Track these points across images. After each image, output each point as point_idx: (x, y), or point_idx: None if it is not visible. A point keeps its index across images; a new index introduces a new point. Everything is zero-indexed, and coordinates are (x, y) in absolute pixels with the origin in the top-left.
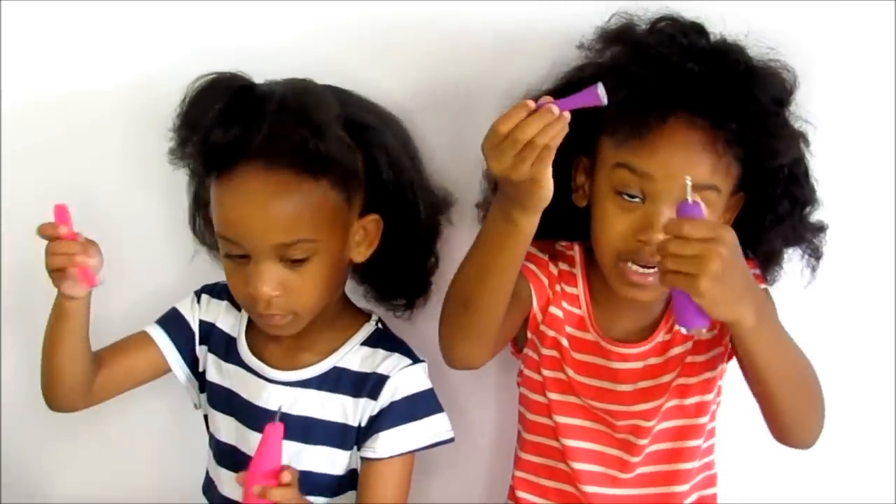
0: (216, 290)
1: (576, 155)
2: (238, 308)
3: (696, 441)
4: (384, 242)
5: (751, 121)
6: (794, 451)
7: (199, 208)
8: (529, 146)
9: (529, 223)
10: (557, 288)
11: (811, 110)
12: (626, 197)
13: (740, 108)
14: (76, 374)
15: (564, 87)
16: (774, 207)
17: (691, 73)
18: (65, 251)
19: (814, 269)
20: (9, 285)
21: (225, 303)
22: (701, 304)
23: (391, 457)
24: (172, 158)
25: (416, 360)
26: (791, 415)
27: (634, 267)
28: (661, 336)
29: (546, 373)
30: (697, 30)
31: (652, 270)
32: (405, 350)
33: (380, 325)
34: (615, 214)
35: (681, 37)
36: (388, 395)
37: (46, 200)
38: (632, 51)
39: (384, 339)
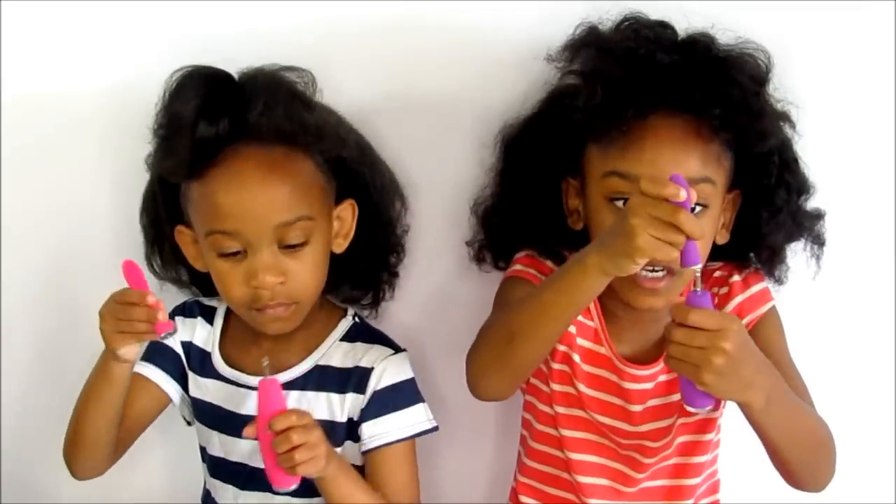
0: (187, 309)
1: (563, 178)
2: (210, 321)
3: (703, 457)
4: (356, 232)
5: (733, 104)
6: None
7: (164, 239)
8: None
9: (603, 281)
10: None
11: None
12: (622, 204)
13: (720, 92)
14: (111, 442)
15: (544, 108)
16: (771, 198)
17: (662, 64)
18: (147, 318)
19: (818, 259)
20: (9, 283)
21: (199, 318)
22: (705, 390)
23: (388, 444)
24: (148, 167)
25: (397, 349)
26: (803, 470)
27: (644, 273)
28: None
29: (555, 386)
30: (662, 24)
31: (661, 273)
32: (385, 340)
33: (357, 319)
34: None
35: (646, 30)
36: (372, 385)
37: (28, 199)
38: (598, 51)
39: (363, 333)
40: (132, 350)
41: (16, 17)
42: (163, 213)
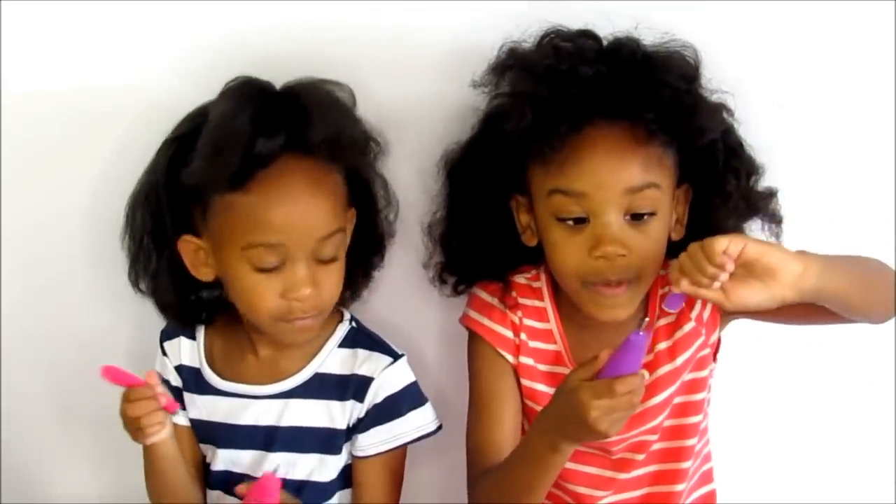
0: (171, 331)
1: (510, 195)
2: (192, 336)
3: (691, 440)
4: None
5: (666, 105)
6: (793, 450)
7: (164, 248)
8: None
9: (573, 449)
10: (522, 336)
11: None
12: (570, 222)
13: (651, 96)
14: (197, 494)
15: (481, 131)
16: (722, 186)
17: (586, 76)
18: (157, 408)
19: (777, 236)
20: (9, 284)
21: (180, 338)
22: None
23: (379, 454)
24: (149, 176)
25: (395, 356)
26: (876, 314)
27: (602, 287)
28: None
29: (530, 404)
30: (583, 34)
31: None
32: (383, 347)
33: (353, 324)
34: (564, 240)
35: (566, 44)
36: (372, 396)
37: (43, 196)
38: (521, 72)
39: (361, 338)
40: (162, 435)
41: (31, 11)
42: (169, 223)
